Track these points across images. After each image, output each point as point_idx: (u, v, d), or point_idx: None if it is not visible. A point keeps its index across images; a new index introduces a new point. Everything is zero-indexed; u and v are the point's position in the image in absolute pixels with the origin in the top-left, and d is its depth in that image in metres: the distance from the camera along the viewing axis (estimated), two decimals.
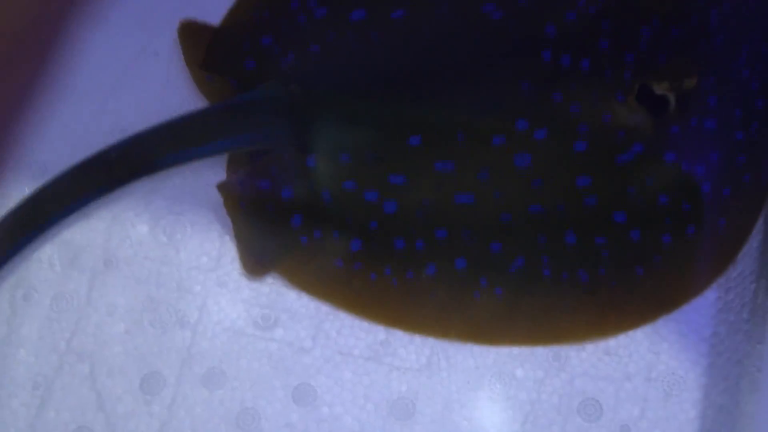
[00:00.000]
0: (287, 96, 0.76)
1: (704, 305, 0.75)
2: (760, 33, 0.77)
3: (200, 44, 0.81)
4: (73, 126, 0.82)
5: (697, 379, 0.73)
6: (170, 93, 0.82)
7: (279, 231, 0.75)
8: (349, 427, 0.74)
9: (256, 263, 0.76)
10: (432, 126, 0.74)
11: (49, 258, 0.79)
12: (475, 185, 0.73)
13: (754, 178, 0.74)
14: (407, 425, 0.73)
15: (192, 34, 0.81)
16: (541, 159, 0.73)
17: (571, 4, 0.76)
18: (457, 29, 0.77)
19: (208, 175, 0.79)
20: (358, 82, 0.76)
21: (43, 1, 0.30)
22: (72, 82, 0.84)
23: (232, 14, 0.82)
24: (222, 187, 0.76)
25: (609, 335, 0.74)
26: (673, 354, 0.74)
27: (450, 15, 0.78)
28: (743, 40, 0.76)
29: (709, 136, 0.74)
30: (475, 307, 0.73)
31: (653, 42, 0.74)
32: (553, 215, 0.73)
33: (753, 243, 0.75)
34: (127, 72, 0.84)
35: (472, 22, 0.77)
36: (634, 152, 0.73)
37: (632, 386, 0.73)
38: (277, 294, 0.76)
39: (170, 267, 0.78)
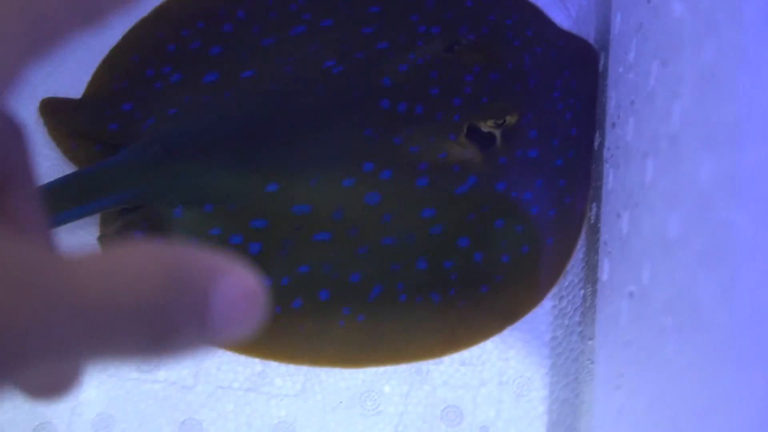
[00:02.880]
0: (150, 156, 0.80)
1: (542, 313, 0.81)
2: (570, 69, 0.86)
3: (62, 116, 0.84)
4: None
5: (542, 378, 0.80)
6: (39, 162, 0.80)
7: None
8: None
9: None
10: (287, 173, 0.79)
11: None
12: (331, 224, 0.79)
13: (573, 198, 0.82)
14: None
15: (53, 109, 0.85)
16: (388, 196, 0.79)
17: (402, 57, 0.83)
18: (302, 84, 0.83)
19: (82, 235, 0.81)
20: (214, 138, 0.81)
21: None
22: None
23: (92, 85, 0.86)
24: (100, 240, 0.79)
25: (463, 348, 0.79)
26: (520, 359, 0.80)
27: (295, 72, 0.84)
28: (555, 77, 0.85)
29: (533, 164, 0.82)
30: (341, 334, 0.77)
31: (476, 87, 0.81)
32: (405, 245, 0.79)
33: (578, 255, 0.83)
34: None
35: (315, 77, 0.83)
36: (469, 184, 0.80)
37: (487, 391, 0.79)
38: None
39: None
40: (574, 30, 0.90)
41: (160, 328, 0.29)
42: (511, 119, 0.81)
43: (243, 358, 0.78)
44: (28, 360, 0.27)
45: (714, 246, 0.51)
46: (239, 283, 0.30)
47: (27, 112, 0.85)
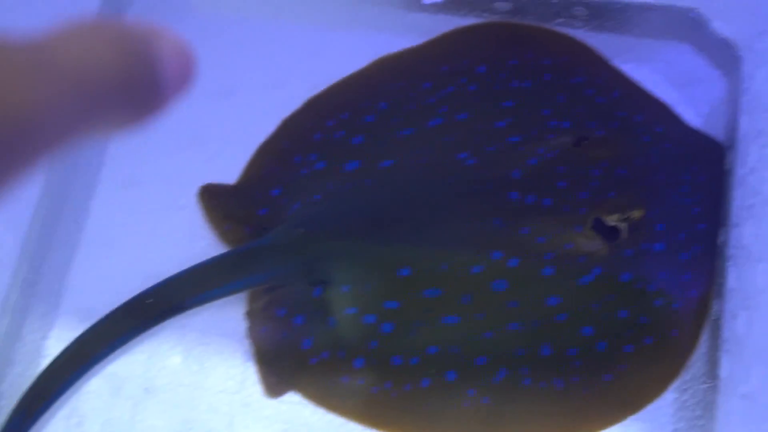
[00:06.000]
0: (295, 239, 0.86)
1: (665, 405, 0.82)
2: (698, 165, 0.87)
3: (219, 200, 0.92)
4: (113, 274, 0.90)
5: None
6: (195, 241, 0.90)
7: (293, 353, 0.83)
8: None
9: (274, 383, 0.84)
10: (419, 259, 0.83)
11: (97, 389, 0.86)
12: (459, 308, 0.82)
13: (698, 293, 0.83)
14: None
15: (211, 194, 0.92)
16: (515, 284, 0.82)
17: (532, 151, 0.86)
18: (437, 175, 0.88)
19: (230, 310, 0.87)
20: (354, 223, 0.86)
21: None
22: (111, 236, 0.93)
23: (247, 171, 0.93)
24: (247, 315, 0.85)
25: None
26: None
27: (430, 162, 0.89)
28: (684, 172, 0.86)
29: (659, 257, 0.83)
30: (466, 414, 0.80)
31: (603, 181, 0.84)
32: (530, 331, 0.81)
33: (702, 349, 0.83)
34: (158, 224, 0.92)
35: (449, 169, 0.88)
36: (594, 274, 0.82)
37: None
38: (295, 410, 0.83)
39: (201, 391, 0.85)
40: (703, 128, 0.92)
41: (133, 92, 0.34)
42: (636, 214, 0.83)
43: None
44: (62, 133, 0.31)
45: None
46: (173, 44, 0.36)
47: (188, 195, 0.93)
